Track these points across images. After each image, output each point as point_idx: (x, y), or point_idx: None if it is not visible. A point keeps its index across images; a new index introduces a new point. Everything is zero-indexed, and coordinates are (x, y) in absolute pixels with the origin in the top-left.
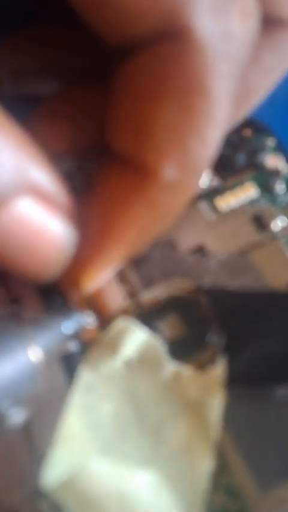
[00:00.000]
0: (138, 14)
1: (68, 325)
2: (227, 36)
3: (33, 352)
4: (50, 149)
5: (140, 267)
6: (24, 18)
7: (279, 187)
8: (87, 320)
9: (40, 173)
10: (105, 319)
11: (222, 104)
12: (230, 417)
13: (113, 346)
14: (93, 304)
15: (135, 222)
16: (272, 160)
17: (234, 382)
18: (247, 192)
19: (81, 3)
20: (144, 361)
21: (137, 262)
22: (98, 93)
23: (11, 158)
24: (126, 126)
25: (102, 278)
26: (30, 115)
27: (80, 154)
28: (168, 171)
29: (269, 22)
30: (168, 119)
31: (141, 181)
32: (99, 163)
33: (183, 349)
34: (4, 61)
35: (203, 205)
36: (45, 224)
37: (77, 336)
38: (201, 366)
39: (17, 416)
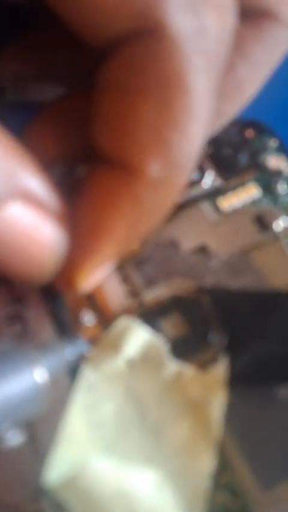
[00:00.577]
0: (112, 13)
1: (71, 351)
2: (201, 32)
3: (38, 373)
4: (41, 156)
5: (142, 267)
6: (24, 24)
7: (281, 187)
8: (88, 348)
9: (30, 178)
10: (107, 319)
11: (201, 98)
12: (232, 416)
13: (115, 345)
14: (95, 303)
15: (123, 219)
16: (274, 161)
17: (236, 381)
18: (249, 193)
19: (57, 5)
20: (146, 360)
21: (139, 262)
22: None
23: (0, 163)
24: (109, 126)
25: (97, 276)
26: (25, 125)
27: (70, 159)
28: (152, 168)
29: (255, 14)
30: (148, 116)
31: (127, 179)
32: (87, 167)
33: (185, 348)
34: (5, 67)
35: (205, 206)
36: (36, 228)
37: (78, 361)
38: (203, 365)
39: (14, 438)
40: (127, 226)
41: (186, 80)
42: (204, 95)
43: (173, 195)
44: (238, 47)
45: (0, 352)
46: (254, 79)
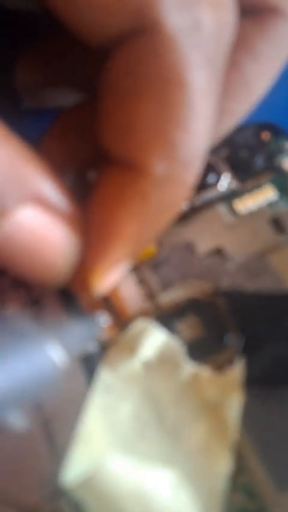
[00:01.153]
0: (106, 11)
1: (88, 327)
2: (196, 28)
3: (55, 353)
4: (54, 165)
5: (159, 269)
6: (37, 32)
7: None
8: (106, 321)
9: (42, 182)
10: (123, 321)
11: (201, 95)
12: (248, 418)
13: (131, 347)
14: (112, 306)
15: (133, 218)
16: None
17: (252, 383)
18: (265, 195)
19: (55, 5)
20: (162, 362)
21: (156, 264)
22: None
23: (12, 168)
24: (113, 126)
25: (112, 278)
26: (41, 133)
27: (82, 165)
28: (158, 166)
29: (259, 10)
30: (150, 114)
31: (134, 178)
32: (97, 170)
33: (201, 350)
34: (23, 74)
35: (222, 208)
36: (48, 231)
37: (96, 337)
38: (220, 367)
39: (19, 422)
40: (138, 225)
41: (184, 77)
42: (204, 91)
43: (181, 193)
44: (243, 43)
45: (18, 331)
46: (261, 76)
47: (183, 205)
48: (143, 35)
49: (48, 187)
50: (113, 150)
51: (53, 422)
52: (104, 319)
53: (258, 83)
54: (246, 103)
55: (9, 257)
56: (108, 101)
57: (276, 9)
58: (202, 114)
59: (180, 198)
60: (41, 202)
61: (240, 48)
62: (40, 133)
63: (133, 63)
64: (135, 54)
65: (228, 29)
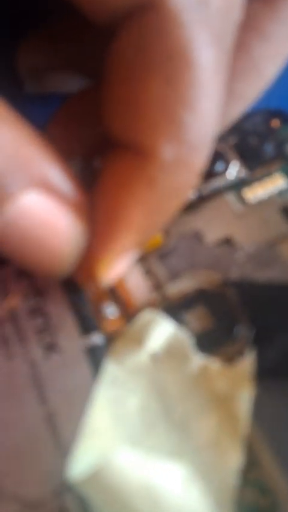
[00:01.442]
0: None
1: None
2: (203, 3)
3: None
4: (61, 151)
5: (166, 259)
6: (42, 16)
7: None
8: (113, 313)
9: (48, 167)
10: (130, 312)
11: (208, 73)
12: (259, 411)
13: (138, 339)
14: (119, 297)
15: (140, 205)
16: None
17: (263, 375)
18: (275, 183)
19: None
20: (170, 354)
21: (163, 254)
22: None
23: (17, 151)
24: (119, 108)
25: (118, 268)
26: (44, 117)
27: (88, 152)
28: (166, 149)
29: None
30: (157, 94)
31: (141, 163)
32: (103, 156)
33: (210, 342)
34: (25, 58)
35: (231, 197)
36: (54, 218)
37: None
38: (229, 359)
39: None
40: (145, 212)
41: (190, 54)
42: (211, 70)
43: (189, 178)
44: (252, 24)
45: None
46: (271, 58)
47: (191, 193)
48: (148, 11)
49: (54, 172)
50: (119, 133)
51: (58, 416)
52: (111, 311)
53: (268, 66)
54: (255, 86)
55: (12, 244)
56: (114, 82)
57: None
58: (210, 93)
59: (188, 184)
60: (46, 187)
61: (249, 29)
62: (45, 120)
63: (139, 41)
64: (141, 32)
65: (236, 6)
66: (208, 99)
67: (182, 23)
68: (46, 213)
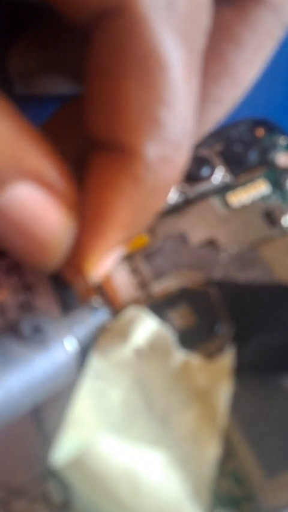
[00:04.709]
0: None
1: (95, 320)
2: (170, 6)
3: (69, 343)
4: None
5: (152, 259)
6: (33, 20)
7: None
8: (110, 316)
9: (40, 159)
10: (116, 309)
11: (179, 72)
12: (237, 405)
13: (123, 334)
14: (105, 294)
15: (126, 202)
16: (283, 159)
17: (242, 371)
18: (258, 189)
19: None
20: (153, 349)
21: (149, 254)
22: None
23: (8, 143)
24: (100, 111)
25: (106, 265)
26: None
27: (76, 157)
28: (148, 147)
29: None
30: (134, 96)
31: (125, 162)
32: (89, 158)
33: (192, 338)
34: (15, 61)
35: (215, 201)
36: (43, 210)
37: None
38: (210, 355)
39: None
40: (131, 209)
41: (161, 55)
42: (183, 70)
43: (173, 175)
44: (226, 32)
45: (35, 327)
46: (245, 64)
47: (177, 196)
48: (118, 15)
49: (47, 166)
50: (103, 135)
51: (43, 407)
52: (105, 310)
53: (243, 72)
54: (232, 91)
55: (2, 234)
56: (93, 85)
57: None
58: (184, 92)
59: (172, 181)
60: (38, 179)
61: (223, 36)
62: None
63: (112, 45)
64: (113, 35)
65: (203, 10)
66: (183, 98)
67: (151, 25)
68: (37, 204)
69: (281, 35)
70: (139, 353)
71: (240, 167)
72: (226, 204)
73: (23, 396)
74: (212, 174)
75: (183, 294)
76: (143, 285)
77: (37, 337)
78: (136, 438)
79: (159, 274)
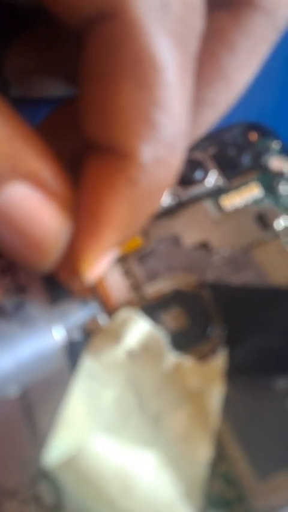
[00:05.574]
0: None
1: (84, 313)
2: (163, 9)
3: (57, 332)
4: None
5: (145, 261)
6: (29, 22)
7: (282, 188)
8: (98, 309)
9: (36, 160)
10: (109, 310)
11: (173, 74)
12: (229, 407)
13: (115, 336)
14: (98, 295)
15: (121, 203)
16: (276, 163)
17: (234, 373)
18: (251, 192)
19: None
20: (146, 351)
21: (142, 256)
22: None
23: (4, 143)
24: (95, 113)
25: (101, 266)
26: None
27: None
28: (143, 149)
29: (235, 3)
30: (129, 98)
31: (120, 164)
32: (84, 160)
33: (185, 340)
34: (11, 63)
35: (209, 204)
36: (39, 210)
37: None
38: (203, 357)
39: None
40: (126, 210)
41: (155, 57)
42: (177, 71)
43: (168, 177)
44: (219, 35)
45: (25, 315)
46: (239, 67)
47: (171, 199)
48: (112, 18)
49: (43, 167)
50: (98, 137)
51: (36, 407)
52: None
53: (237, 75)
54: (225, 94)
55: None
56: (88, 87)
57: (251, 2)
58: (178, 94)
59: (167, 182)
60: (34, 180)
61: (217, 40)
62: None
63: (107, 47)
64: (108, 38)
65: (196, 13)
66: (177, 99)
67: (145, 28)
68: (32, 205)
69: (275, 38)
70: (132, 355)
71: (234, 171)
72: (219, 207)
73: (7, 372)
74: (205, 177)
75: (176, 296)
76: (136, 287)
77: (20, 315)
78: (128, 439)
79: (152, 276)
